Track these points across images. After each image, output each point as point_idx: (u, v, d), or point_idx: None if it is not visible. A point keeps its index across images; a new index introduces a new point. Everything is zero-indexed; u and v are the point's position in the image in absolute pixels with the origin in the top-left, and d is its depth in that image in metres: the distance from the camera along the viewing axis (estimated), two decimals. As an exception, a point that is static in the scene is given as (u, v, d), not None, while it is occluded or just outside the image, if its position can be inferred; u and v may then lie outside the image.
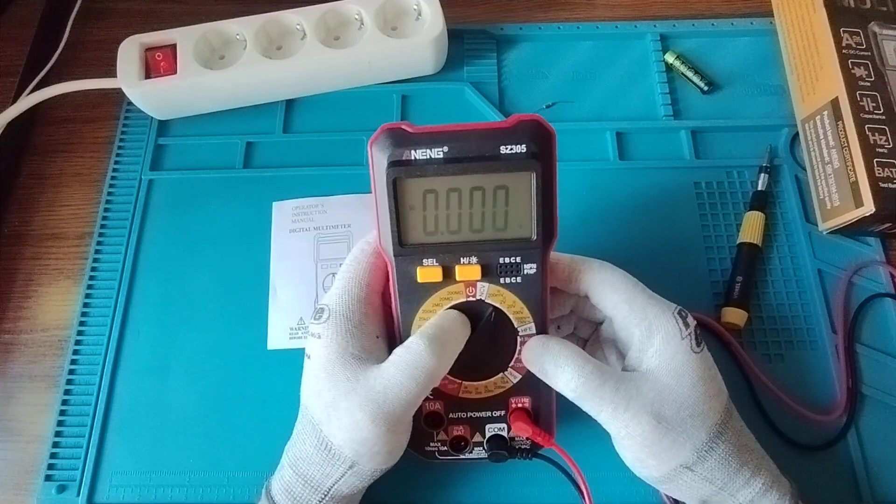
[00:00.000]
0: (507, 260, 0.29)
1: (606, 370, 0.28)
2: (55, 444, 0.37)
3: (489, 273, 0.29)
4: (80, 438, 0.37)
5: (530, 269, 0.29)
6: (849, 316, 0.39)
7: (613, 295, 0.30)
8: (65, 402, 0.38)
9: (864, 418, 0.37)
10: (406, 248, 0.28)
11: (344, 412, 0.28)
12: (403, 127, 0.27)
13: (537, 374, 0.30)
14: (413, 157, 0.27)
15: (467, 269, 0.29)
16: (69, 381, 0.38)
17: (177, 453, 0.37)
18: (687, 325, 0.29)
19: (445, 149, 0.27)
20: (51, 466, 0.36)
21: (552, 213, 0.28)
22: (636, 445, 0.28)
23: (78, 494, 0.36)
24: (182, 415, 0.37)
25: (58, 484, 0.36)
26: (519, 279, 0.29)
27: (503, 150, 0.27)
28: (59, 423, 0.37)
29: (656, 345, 0.29)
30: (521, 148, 0.27)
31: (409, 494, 0.35)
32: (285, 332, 0.39)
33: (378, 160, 0.27)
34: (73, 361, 0.39)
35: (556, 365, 0.28)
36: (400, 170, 0.27)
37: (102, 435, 0.37)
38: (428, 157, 0.27)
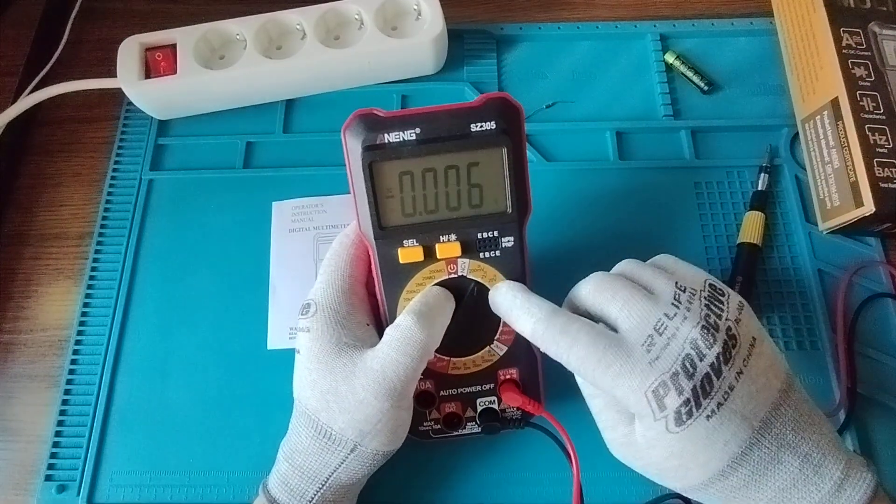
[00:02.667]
0: (484, 235, 0.29)
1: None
2: (55, 444, 0.37)
3: (469, 249, 0.30)
4: (80, 438, 0.37)
5: (508, 242, 0.30)
6: (849, 316, 0.39)
7: (574, 367, 0.28)
8: (65, 402, 0.38)
9: (864, 418, 0.37)
10: (386, 231, 0.29)
11: (345, 395, 0.28)
12: (375, 112, 0.28)
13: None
14: (387, 141, 0.28)
15: (447, 247, 0.29)
16: (69, 381, 0.38)
17: (177, 453, 0.37)
18: (663, 406, 0.25)
19: (418, 130, 0.28)
20: (51, 466, 0.36)
21: (525, 186, 0.29)
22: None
23: (78, 494, 0.36)
24: (182, 415, 0.37)
25: (58, 484, 0.36)
26: (498, 253, 0.30)
27: (474, 127, 0.28)
28: (59, 423, 0.37)
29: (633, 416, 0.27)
30: (490, 125, 0.28)
31: (407, 494, 0.35)
32: (285, 332, 0.39)
33: (352, 146, 0.28)
34: (73, 361, 0.39)
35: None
36: (375, 153, 0.28)
37: (102, 435, 0.37)
38: (401, 139, 0.28)
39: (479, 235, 0.29)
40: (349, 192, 0.29)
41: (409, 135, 0.28)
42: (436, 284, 0.30)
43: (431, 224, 0.29)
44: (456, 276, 0.30)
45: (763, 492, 0.25)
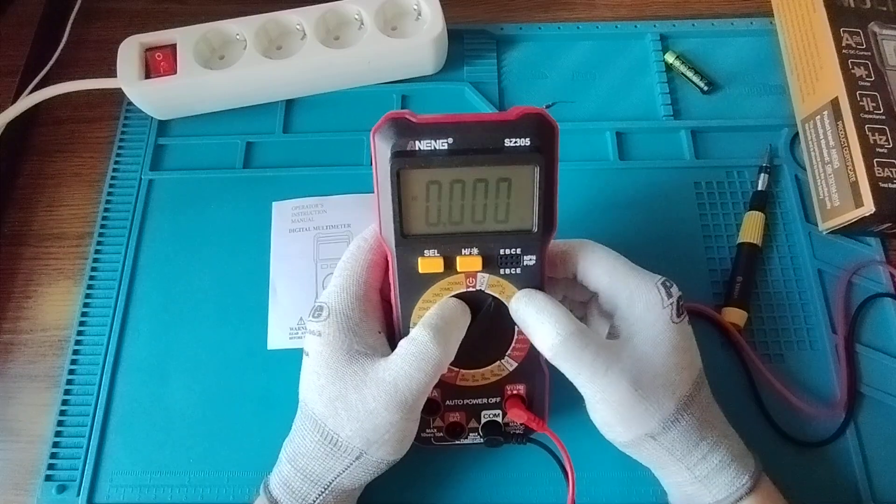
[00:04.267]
0: (507, 251, 0.29)
1: (588, 333, 0.28)
2: (55, 444, 0.37)
3: (489, 264, 0.29)
4: (80, 438, 0.37)
5: (530, 260, 0.29)
6: (849, 316, 0.39)
7: (596, 268, 0.31)
8: (65, 402, 0.38)
9: (864, 418, 0.37)
10: (408, 239, 0.28)
11: (355, 403, 0.28)
12: (407, 116, 0.27)
13: (520, 326, 0.30)
14: (417, 148, 0.27)
15: (468, 260, 0.29)
16: (69, 381, 0.38)
17: (177, 453, 0.37)
18: (670, 294, 0.30)
19: (450, 140, 0.27)
20: (51, 466, 0.36)
21: (553, 205, 0.29)
22: (608, 411, 0.29)
23: (78, 494, 0.36)
24: (182, 415, 0.37)
25: (58, 484, 0.36)
26: (518, 270, 0.29)
27: (507, 142, 0.27)
28: (59, 423, 0.37)
29: (637, 312, 0.29)
30: (525, 141, 0.27)
31: (406, 495, 0.35)
32: (285, 332, 0.39)
33: (381, 150, 0.27)
34: (73, 361, 0.39)
35: (538, 320, 0.28)
36: (404, 160, 0.27)
37: (102, 435, 0.37)
38: (432, 148, 0.27)
39: (502, 251, 0.29)
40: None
41: (441, 144, 0.27)
42: (453, 297, 0.30)
43: (454, 236, 0.28)
44: (474, 289, 0.30)
45: (692, 458, 0.29)
